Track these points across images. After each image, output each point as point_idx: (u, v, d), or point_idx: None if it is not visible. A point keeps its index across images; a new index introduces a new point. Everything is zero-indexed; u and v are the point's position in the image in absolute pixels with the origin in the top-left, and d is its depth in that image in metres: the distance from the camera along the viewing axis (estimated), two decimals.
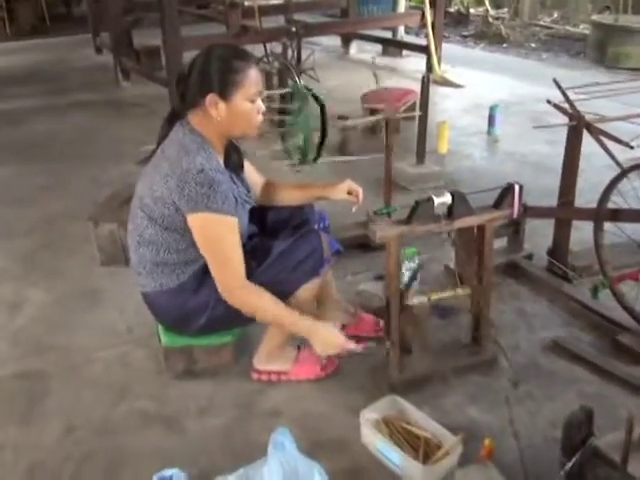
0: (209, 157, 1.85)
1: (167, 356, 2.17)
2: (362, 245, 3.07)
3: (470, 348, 2.27)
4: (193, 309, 1.98)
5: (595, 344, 2.37)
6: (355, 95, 4.98)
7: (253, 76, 1.86)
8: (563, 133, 2.74)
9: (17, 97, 6.30)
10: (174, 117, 1.96)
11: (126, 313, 2.59)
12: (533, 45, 8.59)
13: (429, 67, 6.50)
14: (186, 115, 1.92)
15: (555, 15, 10.31)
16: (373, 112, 4.59)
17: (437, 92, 5.85)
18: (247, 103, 1.87)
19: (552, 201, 3.01)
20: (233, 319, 2.02)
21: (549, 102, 2.71)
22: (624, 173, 2.29)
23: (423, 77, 3.60)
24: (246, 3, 5.79)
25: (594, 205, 2.45)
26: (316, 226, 2.24)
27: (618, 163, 2.39)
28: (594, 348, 2.35)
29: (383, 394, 2.09)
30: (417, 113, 3.50)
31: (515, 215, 2.08)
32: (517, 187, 2.04)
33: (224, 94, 1.83)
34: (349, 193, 2.17)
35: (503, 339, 2.36)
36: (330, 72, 6.48)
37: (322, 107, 2.60)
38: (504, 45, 8.63)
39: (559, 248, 2.78)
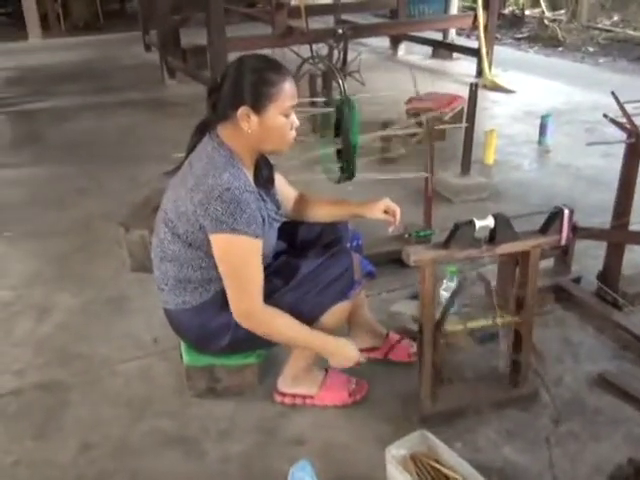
0: (237, 174, 1.76)
1: (189, 375, 2.10)
2: (397, 260, 2.93)
3: (509, 380, 2.12)
4: (215, 329, 1.90)
5: None
6: (401, 98, 4.84)
7: (288, 89, 1.76)
8: (620, 146, 2.55)
9: (65, 94, 6.36)
10: (204, 127, 1.88)
11: (152, 323, 2.53)
12: (590, 49, 8.26)
13: (479, 71, 6.30)
14: (216, 127, 1.83)
15: (615, 18, 9.90)
16: (416, 118, 4.46)
17: (486, 97, 5.65)
18: (281, 117, 1.77)
19: (605, 218, 2.82)
20: (256, 341, 1.93)
21: (606, 116, 2.52)
22: None
23: (471, 84, 3.44)
24: (292, 2, 5.71)
25: None
26: (348, 245, 2.13)
27: None
28: None
29: (413, 426, 1.97)
30: (464, 124, 3.34)
31: (563, 242, 1.92)
32: (567, 212, 1.88)
33: (257, 107, 1.74)
34: (385, 212, 2.05)
35: (546, 370, 2.20)
36: (377, 74, 6.34)
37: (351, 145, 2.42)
38: (560, 48, 8.32)
39: (610, 272, 2.59)
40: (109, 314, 2.64)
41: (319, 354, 1.98)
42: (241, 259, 1.77)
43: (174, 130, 5.00)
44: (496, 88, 5.97)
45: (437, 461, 1.80)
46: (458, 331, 1.97)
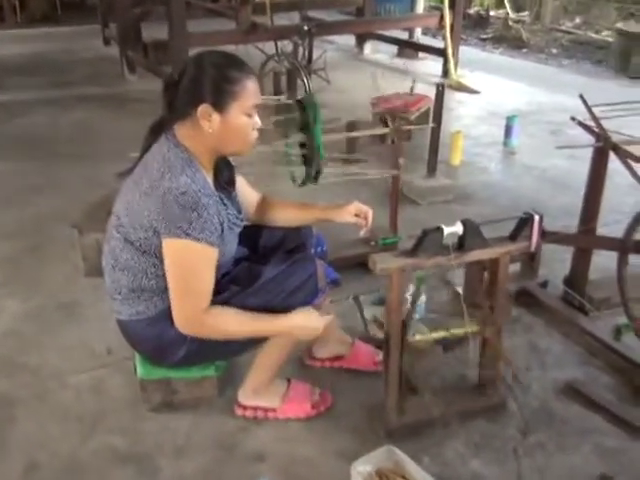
0: (195, 176, 1.65)
1: (144, 387, 1.99)
2: (362, 264, 2.86)
3: (477, 389, 2.07)
4: (172, 340, 1.79)
5: (614, 388, 2.17)
6: (367, 97, 4.77)
7: (251, 88, 1.66)
8: (588, 149, 2.51)
9: (19, 88, 6.13)
10: (160, 127, 1.77)
11: (106, 332, 2.39)
12: (554, 51, 8.34)
13: (445, 71, 6.29)
14: (173, 126, 1.72)
15: (577, 20, 10.03)
16: (383, 118, 4.40)
17: (452, 98, 5.62)
18: (243, 117, 1.67)
19: (571, 221, 2.80)
20: (215, 352, 1.84)
21: (573, 119, 2.49)
22: None
23: (438, 85, 3.39)
24: None
25: (614, 228, 2.24)
26: (312, 251, 2.04)
27: None
28: (613, 393, 2.14)
29: (379, 439, 1.90)
30: (430, 125, 3.29)
31: (533, 248, 1.87)
32: (537, 218, 1.83)
33: (219, 105, 1.63)
34: (356, 215, 1.97)
35: (514, 379, 2.16)
36: (342, 73, 6.27)
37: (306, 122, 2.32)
38: (524, 50, 8.38)
39: (577, 277, 2.56)
40: (60, 321, 2.51)
41: (286, 346, 1.90)
42: (191, 267, 1.66)
43: (134, 127, 4.79)
44: (462, 89, 5.96)
45: (404, 477, 1.73)
46: (426, 340, 1.90)
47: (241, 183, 1.98)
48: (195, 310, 1.68)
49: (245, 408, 2.00)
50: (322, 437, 1.94)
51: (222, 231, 1.72)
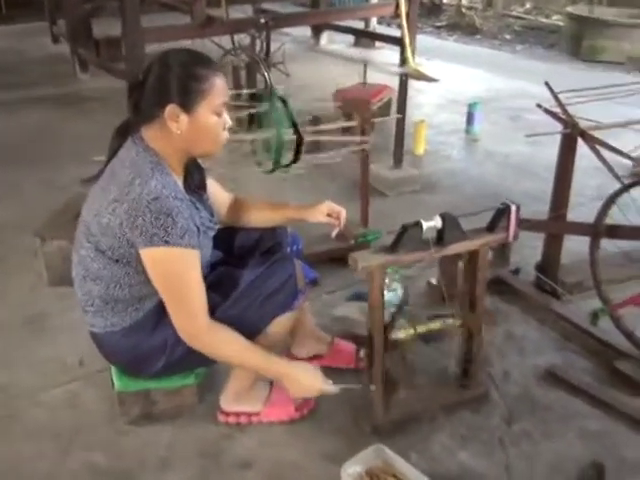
0: (166, 180, 1.60)
1: (122, 400, 1.92)
2: (335, 260, 2.85)
3: (459, 381, 2.06)
4: (149, 351, 1.73)
5: (592, 371, 2.19)
6: (327, 89, 4.73)
7: (219, 85, 1.61)
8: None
9: None
10: (126, 130, 1.70)
11: (77, 343, 2.32)
12: (507, 36, 8.43)
13: (403, 60, 6.28)
14: (140, 129, 1.66)
15: (528, 6, 10.17)
16: (346, 110, 4.37)
17: (411, 86, 5.55)
18: (213, 116, 1.61)
19: (536, 207, 2.83)
20: (195, 361, 1.78)
21: (539, 106, 2.50)
22: (626, 188, 2.10)
23: (401, 75, 3.38)
24: None
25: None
26: (288, 249, 2.01)
27: (617, 177, 2.20)
28: (591, 376, 2.17)
29: (366, 438, 1.88)
30: (394, 116, 3.27)
31: (511, 239, 1.87)
32: (514, 208, 1.83)
33: (186, 105, 1.58)
34: (328, 214, 1.93)
35: (493, 367, 2.17)
36: (300, 65, 6.21)
37: (295, 125, 2.31)
38: (478, 36, 8.45)
39: (549, 263, 2.59)
40: (27, 335, 2.41)
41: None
42: (179, 274, 1.61)
43: (91, 127, 4.71)
44: (420, 77, 5.96)
45: (394, 476, 1.71)
46: (410, 336, 1.88)
47: (212, 185, 1.92)
48: (197, 324, 1.63)
49: (227, 414, 1.96)
50: (308, 440, 1.91)
51: (198, 235, 1.67)
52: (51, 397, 2.09)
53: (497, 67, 6.63)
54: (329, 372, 2.15)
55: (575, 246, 2.61)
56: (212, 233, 1.80)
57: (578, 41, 7.28)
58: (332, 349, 2.20)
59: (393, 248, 1.74)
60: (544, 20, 9.23)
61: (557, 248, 2.53)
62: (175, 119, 1.59)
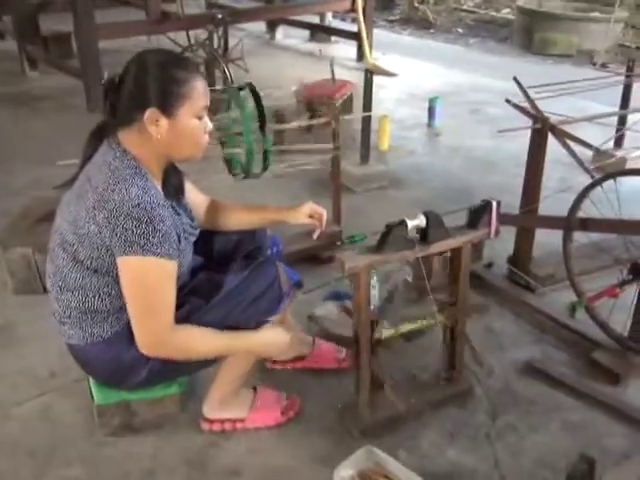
0: (147, 186, 1.53)
1: (101, 412, 1.85)
2: (309, 258, 2.82)
3: (443, 377, 2.07)
4: (131, 361, 1.67)
5: (570, 362, 2.23)
6: (287, 85, 4.68)
7: (200, 88, 1.56)
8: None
9: None
10: (101, 133, 1.63)
11: (48, 353, 2.24)
12: (460, 30, 8.54)
13: (360, 55, 6.29)
14: (116, 133, 1.59)
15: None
16: (309, 106, 4.34)
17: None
18: (194, 120, 1.56)
19: (504, 200, 2.83)
20: (179, 368, 1.73)
21: (508, 101, 2.52)
22: (598, 182, 2.13)
23: (366, 72, 3.37)
24: None
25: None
26: (269, 252, 1.97)
27: (588, 170, 2.24)
28: (569, 367, 2.21)
29: (354, 439, 1.87)
30: (364, 114, 3.26)
31: (492, 235, 1.88)
32: (494, 204, 1.84)
33: (167, 109, 1.52)
34: (310, 216, 1.90)
35: (473, 362, 2.18)
36: (257, 60, 6.13)
37: (263, 121, 2.26)
38: (431, 30, 8.54)
39: (521, 256, 2.62)
40: None
41: (250, 356, 1.82)
42: (152, 284, 1.55)
43: (44, 127, 4.55)
44: (378, 72, 5.95)
45: (386, 477, 1.70)
46: (395, 336, 1.87)
47: (189, 189, 1.86)
48: (159, 330, 1.56)
49: (212, 422, 1.91)
50: (296, 443, 1.88)
51: (179, 242, 1.62)
52: (23, 411, 2.00)
53: (452, 61, 6.70)
54: (311, 373, 2.16)
55: (544, 238, 2.65)
56: (193, 239, 1.74)
57: (529, 34, 7.43)
58: (313, 350, 2.17)
59: (379, 248, 1.73)
60: (494, 14, 9.39)
61: (529, 241, 2.56)
62: (155, 123, 1.53)
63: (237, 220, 1.93)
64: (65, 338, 1.71)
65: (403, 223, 1.73)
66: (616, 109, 3.54)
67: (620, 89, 3.54)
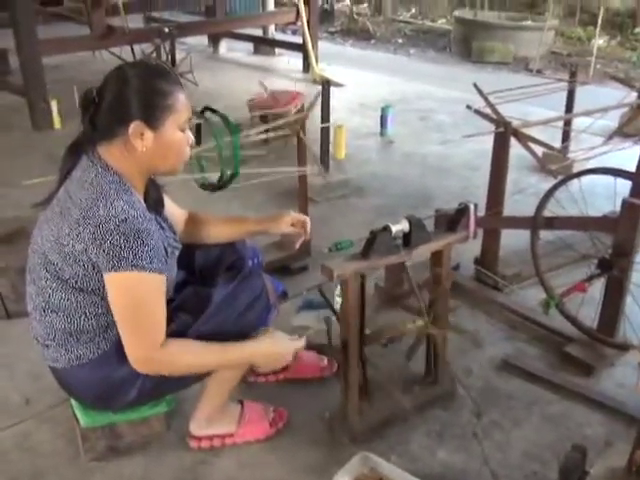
0: (132, 201, 1.51)
1: (86, 437, 1.79)
2: (280, 269, 2.82)
3: (425, 380, 2.10)
4: (120, 381, 1.62)
5: (543, 357, 2.31)
6: (237, 98, 4.68)
7: (183, 99, 1.54)
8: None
9: None
10: (79, 149, 1.58)
11: (17, 378, 2.16)
12: (400, 41, 8.72)
13: (306, 66, 6.34)
14: (95, 147, 1.55)
15: (413, 10, 10.57)
16: (263, 119, 4.34)
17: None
18: (178, 132, 1.54)
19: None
20: (169, 386, 1.70)
21: (469, 107, 2.60)
22: (563, 182, 2.22)
23: (323, 83, 3.40)
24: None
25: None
26: (250, 263, 1.96)
27: (550, 171, 2.33)
28: (543, 361, 2.28)
29: (344, 446, 1.87)
30: (324, 124, 3.29)
31: (471, 237, 1.93)
32: (472, 207, 1.88)
33: (151, 121, 1.49)
34: (293, 225, 1.90)
35: (453, 364, 2.22)
36: (203, 74, 6.08)
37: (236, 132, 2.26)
38: (372, 41, 8.68)
39: (488, 257, 2.69)
40: None
41: (238, 371, 1.79)
42: (142, 300, 1.52)
43: None
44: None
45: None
46: (380, 341, 1.89)
47: (167, 202, 1.83)
48: (150, 346, 1.53)
49: (200, 439, 1.88)
50: (287, 455, 1.87)
51: (167, 256, 1.60)
52: (0, 440, 1.91)
53: (395, 70, 6.84)
54: (295, 384, 2.15)
55: (505, 239, 2.72)
56: (177, 252, 1.72)
57: (467, 44, 7.66)
58: (296, 361, 2.16)
59: (365, 254, 1.75)
60: (431, 24, 9.64)
61: (496, 242, 2.64)
62: (140, 136, 1.51)
63: (217, 233, 1.92)
64: (49, 362, 1.65)
65: (387, 228, 1.76)
66: (555, 113, 3.70)
67: (559, 94, 3.70)
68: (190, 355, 1.59)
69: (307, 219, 1.91)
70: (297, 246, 1.93)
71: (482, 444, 1.91)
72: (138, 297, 1.51)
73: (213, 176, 2.38)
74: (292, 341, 1.74)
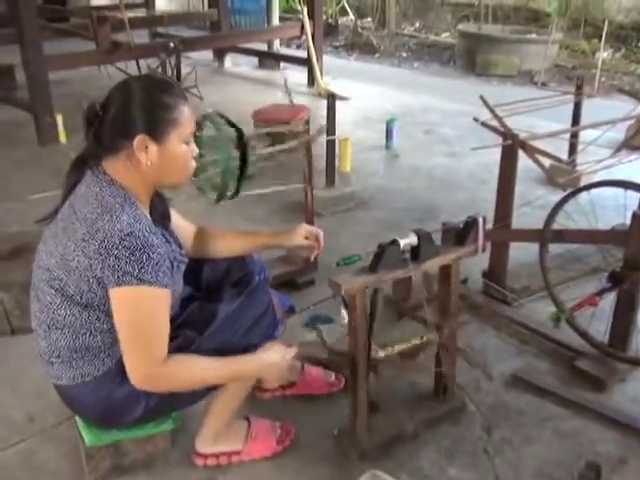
0: (137, 215, 1.49)
1: (90, 456, 1.76)
2: (286, 283, 2.80)
3: (434, 395, 2.07)
4: (125, 399, 1.60)
5: (553, 371, 2.27)
6: (242, 112, 4.66)
7: (187, 112, 1.53)
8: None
9: None
10: (83, 163, 1.58)
11: (21, 396, 2.14)
12: (404, 54, 8.74)
13: (311, 80, 6.35)
14: (100, 162, 1.54)
15: (417, 24, 10.60)
16: (269, 131, 4.33)
17: (323, 106, 5.65)
18: (183, 145, 1.53)
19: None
20: (176, 403, 1.68)
21: (476, 120, 2.58)
22: (572, 194, 2.19)
23: (329, 97, 3.40)
24: (108, 14, 5.29)
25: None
26: (257, 278, 1.93)
27: (559, 184, 2.30)
28: (553, 376, 2.24)
29: (353, 463, 1.84)
30: (329, 137, 3.28)
31: (480, 250, 1.90)
32: (481, 220, 1.86)
33: (156, 135, 1.48)
34: (306, 238, 1.88)
35: (462, 379, 2.18)
36: (209, 88, 6.11)
37: (241, 135, 2.28)
38: (376, 55, 8.70)
39: (496, 270, 2.66)
40: None
41: (244, 386, 1.78)
42: (147, 315, 1.50)
43: None
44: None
45: None
46: (390, 357, 1.86)
47: (175, 216, 1.82)
48: (151, 362, 1.50)
49: (206, 457, 1.85)
50: (295, 472, 1.84)
51: (172, 270, 1.58)
52: (4, 459, 1.89)
53: (400, 84, 6.83)
54: (302, 400, 2.12)
55: (513, 252, 2.69)
56: (183, 267, 1.70)
57: (472, 57, 7.67)
58: (303, 376, 2.14)
59: (373, 268, 1.72)
60: (435, 38, 9.65)
61: (504, 255, 2.61)
62: (144, 150, 1.50)
63: (228, 247, 1.89)
64: (53, 379, 1.63)
65: (395, 242, 1.74)
66: (561, 126, 3.68)
67: (565, 107, 3.68)
68: (189, 370, 1.56)
69: (320, 232, 1.89)
70: (312, 259, 1.91)
71: (493, 461, 1.88)
72: (142, 312, 1.49)
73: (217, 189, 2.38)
74: (286, 349, 1.72)
